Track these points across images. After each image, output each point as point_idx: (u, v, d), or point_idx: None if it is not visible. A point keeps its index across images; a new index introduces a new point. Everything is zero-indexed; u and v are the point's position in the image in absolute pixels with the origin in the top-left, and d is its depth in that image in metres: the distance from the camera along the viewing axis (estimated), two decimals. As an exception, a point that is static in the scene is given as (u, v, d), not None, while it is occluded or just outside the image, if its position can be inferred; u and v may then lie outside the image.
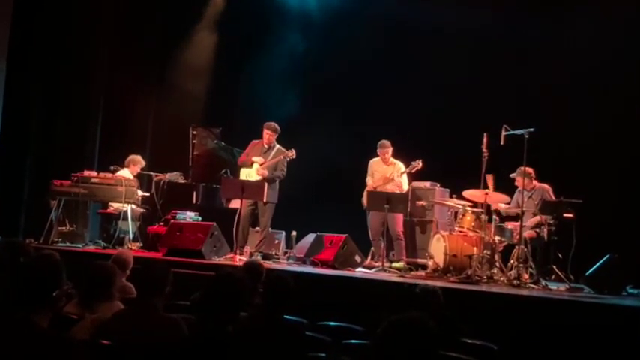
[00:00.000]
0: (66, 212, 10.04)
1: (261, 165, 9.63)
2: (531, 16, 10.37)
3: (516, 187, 8.86)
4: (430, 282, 6.80)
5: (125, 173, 10.30)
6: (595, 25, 9.68)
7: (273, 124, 9.75)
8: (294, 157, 9.63)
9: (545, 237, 8.39)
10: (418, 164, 9.36)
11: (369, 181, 9.73)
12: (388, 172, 9.62)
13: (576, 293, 7.39)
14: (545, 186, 8.88)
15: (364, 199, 9.62)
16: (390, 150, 9.66)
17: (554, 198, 8.67)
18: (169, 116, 12.19)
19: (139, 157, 10.61)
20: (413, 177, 9.89)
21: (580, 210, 8.10)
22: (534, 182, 8.87)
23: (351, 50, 11.48)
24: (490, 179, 8.42)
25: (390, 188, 9.47)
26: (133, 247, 9.60)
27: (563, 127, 9.82)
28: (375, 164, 9.79)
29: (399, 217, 9.62)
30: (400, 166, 9.58)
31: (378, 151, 9.70)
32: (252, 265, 5.91)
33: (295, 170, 9.98)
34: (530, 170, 8.69)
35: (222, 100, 12.34)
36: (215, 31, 12.51)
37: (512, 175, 8.76)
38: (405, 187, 9.65)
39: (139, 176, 10.53)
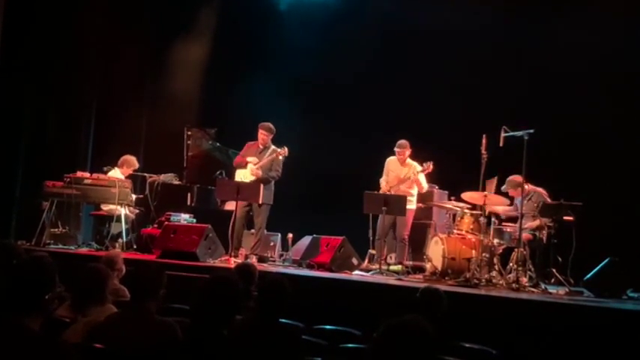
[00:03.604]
0: (58, 214, 9.92)
1: (255, 165, 9.55)
2: (531, 17, 10.34)
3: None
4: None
5: (116, 173, 10.16)
6: (595, 26, 9.64)
7: (267, 124, 9.65)
8: (286, 154, 9.52)
9: (545, 240, 8.34)
10: (429, 166, 9.24)
11: (383, 182, 9.54)
12: (403, 172, 9.47)
13: (576, 297, 7.34)
14: (542, 190, 8.79)
15: None
16: (408, 151, 9.49)
17: (549, 202, 8.60)
18: (163, 116, 12.10)
19: (133, 159, 10.43)
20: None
21: (580, 213, 8.05)
22: (528, 186, 8.68)
23: (349, 52, 11.41)
24: (492, 182, 8.32)
25: (403, 189, 9.34)
26: (127, 250, 9.49)
27: (563, 129, 9.78)
28: (391, 163, 9.63)
29: (409, 222, 9.48)
30: (416, 165, 9.44)
31: (395, 150, 9.51)
32: (245, 267, 5.90)
33: (292, 172, 9.91)
34: (519, 178, 8.42)
35: (218, 101, 12.27)
36: (210, 32, 12.43)
37: (503, 188, 8.63)
38: (425, 185, 9.55)
39: (130, 177, 10.38)
